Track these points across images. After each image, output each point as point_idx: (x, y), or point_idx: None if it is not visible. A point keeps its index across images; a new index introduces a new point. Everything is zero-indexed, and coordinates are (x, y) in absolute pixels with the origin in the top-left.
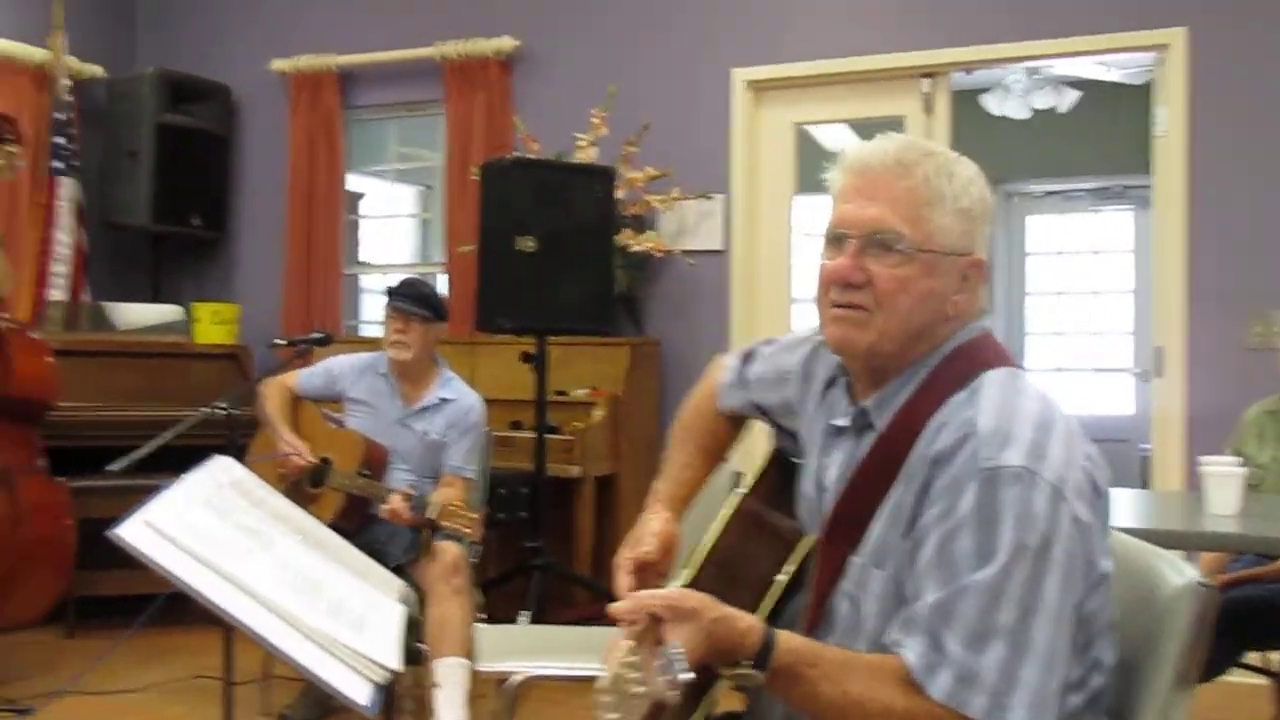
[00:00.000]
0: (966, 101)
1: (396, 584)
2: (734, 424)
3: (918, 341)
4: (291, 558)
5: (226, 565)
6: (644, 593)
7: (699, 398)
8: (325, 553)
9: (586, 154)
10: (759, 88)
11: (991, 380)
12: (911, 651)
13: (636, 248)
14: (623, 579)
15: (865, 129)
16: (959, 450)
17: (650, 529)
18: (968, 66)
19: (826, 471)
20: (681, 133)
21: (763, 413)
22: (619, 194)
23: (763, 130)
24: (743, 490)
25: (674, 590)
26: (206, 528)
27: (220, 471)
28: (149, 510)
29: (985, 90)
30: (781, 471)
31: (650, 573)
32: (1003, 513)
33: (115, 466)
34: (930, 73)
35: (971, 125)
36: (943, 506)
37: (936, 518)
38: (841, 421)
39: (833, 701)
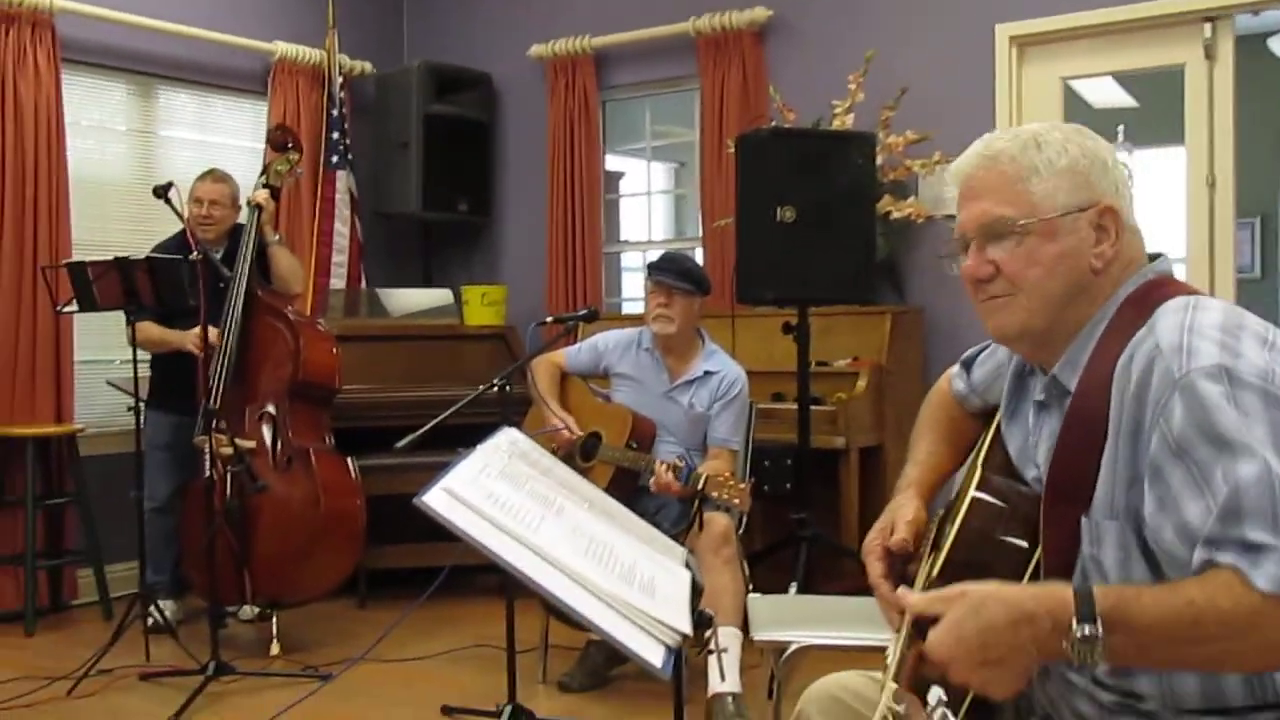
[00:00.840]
0: (1253, 46)
1: (680, 550)
2: (977, 420)
3: (1075, 303)
4: (582, 524)
5: (524, 531)
6: (911, 596)
7: (939, 395)
8: (612, 520)
9: (844, 121)
10: (1023, 43)
11: (1167, 308)
12: (1227, 555)
13: (897, 214)
14: (874, 565)
15: (1138, 82)
16: (1150, 374)
17: (904, 516)
18: (1254, 7)
19: (1038, 450)
20: (942, 94)
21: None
22: (878, 160)
23: (1028, 88)
24: (976, 466)
25: (942, 591)
26: (503, 495)
27: (509, 442)
28: (449, 479)
29: (1275, 34)
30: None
31: (902, 559)
32: (1219, 407)
33: (401, 445)
34: (1212, 16)
35: (1259, 72)
36: (1160, 432)
37: (1160, 444)
38: (1039, 396)
39: (1181, 616)
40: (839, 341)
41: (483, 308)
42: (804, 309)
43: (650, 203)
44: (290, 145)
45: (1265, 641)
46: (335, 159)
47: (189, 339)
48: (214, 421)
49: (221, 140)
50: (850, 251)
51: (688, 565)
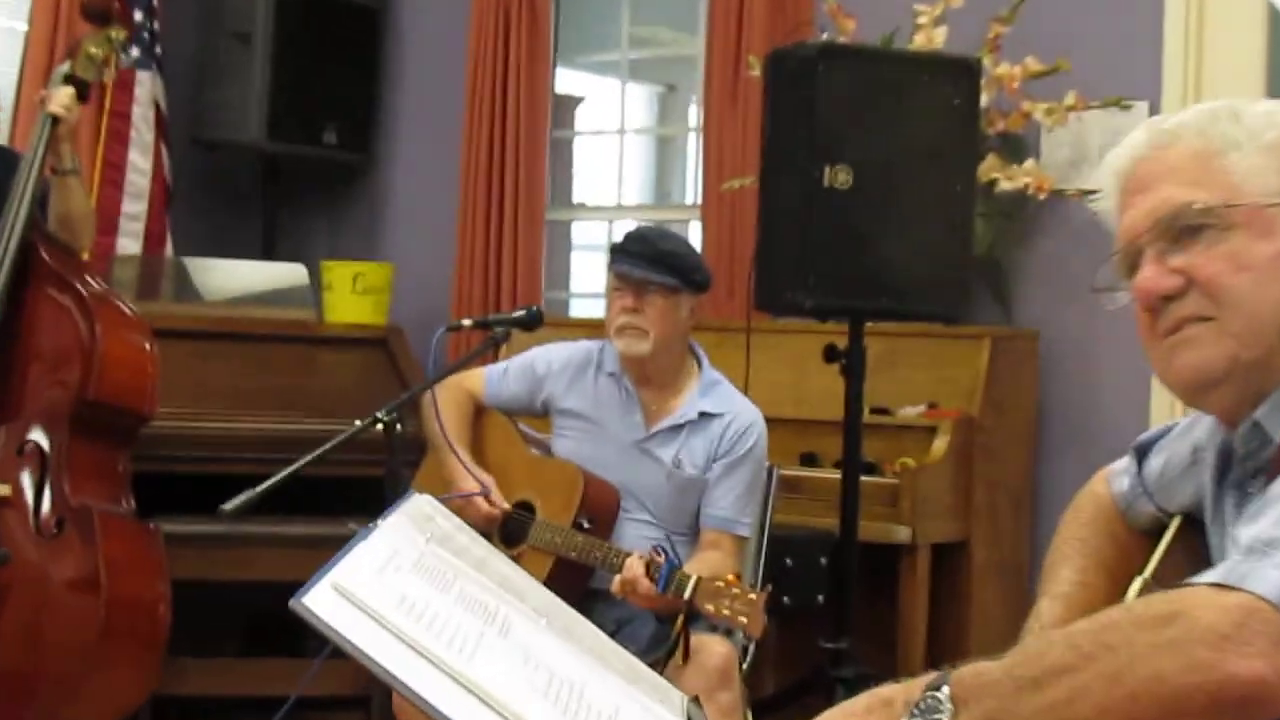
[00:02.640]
0: None
1: (675, 695)
2: (1145, 536)
3: None
4: (537, 649)
5: (454, 658)
6: None
7: (1091, 501)
8: (574, 641)
9: (930, 37)
10: None
11: None
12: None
13: (1008, 185)
14: None
15: None
16: None
17: None
18: None
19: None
20: (1083, 6)
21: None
22: (982, 100)
23: (1212, 6)
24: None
25: None
26: (421, 600)
27: (424, 516)
28: (342, 572)
29: None
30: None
31: None
32: None
33: (231, 507)
34: None
35: None
36: None
37: None
38: (1241, 470)
39: (1066, 641)
40: (909, 378)
41: (354, 297)
42: (858, 325)
43: (623, 146)
44: (112, 15)
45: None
46: (135, 52)
47: None
48: None
49: None
50: (933, 239)
51: (689, 718)
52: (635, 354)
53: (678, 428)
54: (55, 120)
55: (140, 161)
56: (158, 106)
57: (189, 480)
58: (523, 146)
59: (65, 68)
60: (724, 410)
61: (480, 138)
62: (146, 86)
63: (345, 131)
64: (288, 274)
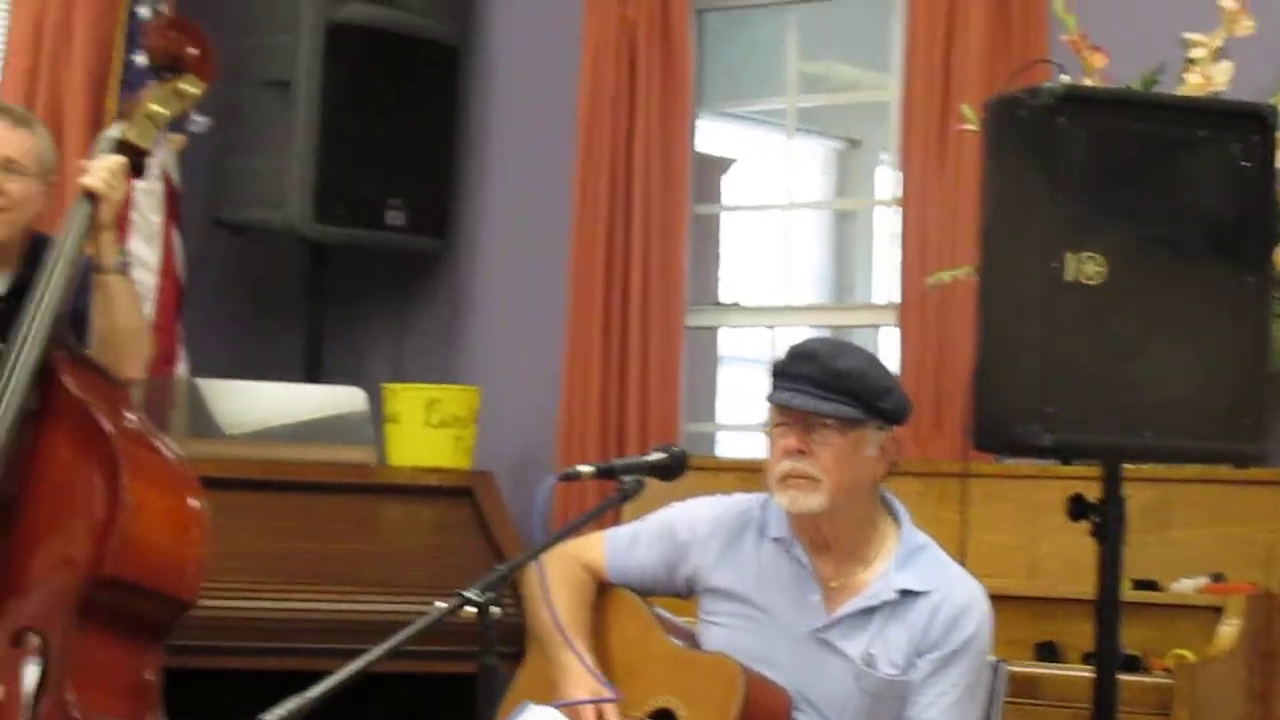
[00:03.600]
0: None
1: None
2: None
3: None
4: None
5: None
6: None
7: None
8: None
9: (1208, 76)
10: None
11: None
12: None
13: None
14: None
15: None
16: None
17: None
18: None
19: None
20: None
21: None
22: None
23: None
24: None
25: None
26: None
27: None
28: None
29: None
30: None
31: None
32: None
33: (273, 718)
34: None
35: None
36: None
37: None
38: None
39: None
40: (1185, 540)
41: (428, 431)
42: (1115, 469)
43: (788, 224)
44: (184, 60)
45: None
46: (199, 119)
47: None
48: None
49: None
50: (1215, 351)
51: None
52: (805, 511)
53: (869, 611)
54: (96, 199)
55: (144, 252)
56: (168, 179)
57: (213, 678)
58: (654, 227)
59: (116, 131)
60: (931, 586)
61: (596, 216)
62: (155, 156)
63: (415, 210)
64: (340, 400)
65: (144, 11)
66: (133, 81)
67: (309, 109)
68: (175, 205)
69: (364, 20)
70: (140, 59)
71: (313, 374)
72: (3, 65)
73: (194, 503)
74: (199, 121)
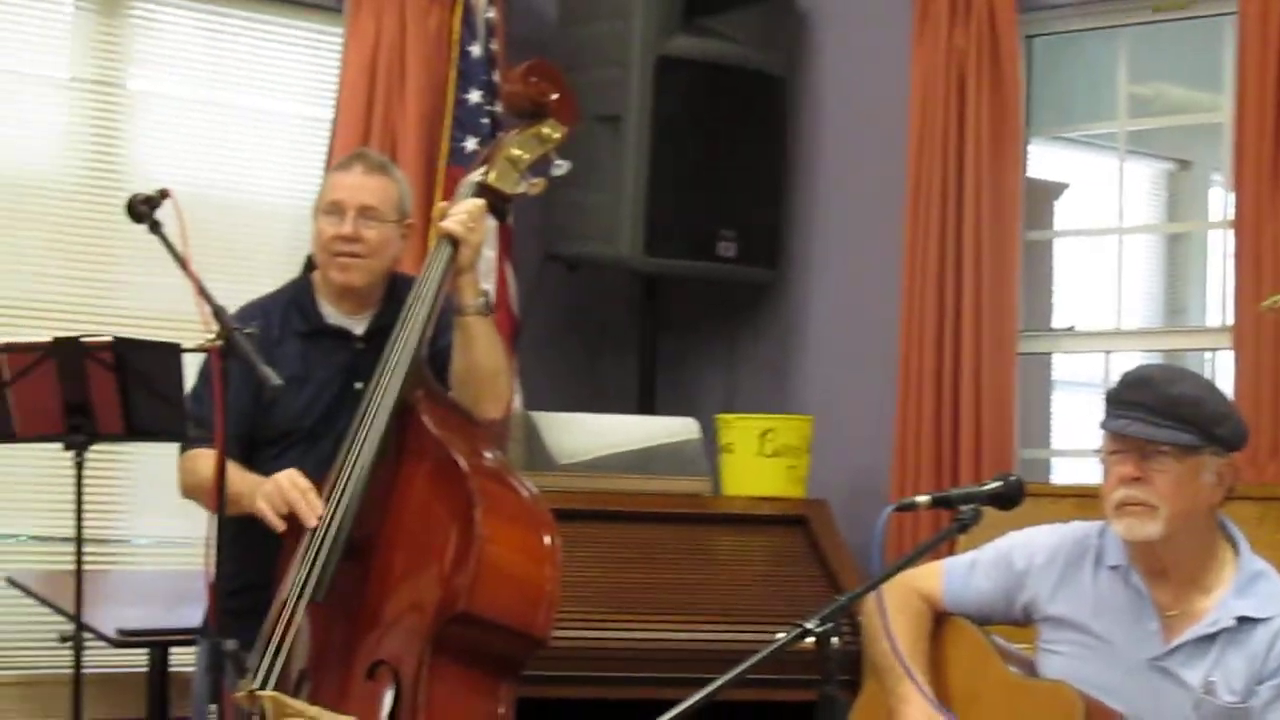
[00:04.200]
0: None
1: None
2: None
3: None
4: None
5: None
6: None
7: None
8: None
9: None
10: None
11: None
12: None
13: None
14: None
15: None
16: None
17: None
18: None
19: None
20: None
21: None
22: None
23: None
24: None
25: None
26: None
27: None
28: None
29: None
30: None
31: None
32: None
33: None
34: None
35: None
36: None
37: None
38: None
39: None
40: None
41: (762, 460)
42: None
43: (1120, 248)
44: (546, 105)
45: None
46: (470, 143)
47: (263, 496)
48: (270, 666)
49: (254, 101)
50: None
51: None
52: (1141, 538)
53: (1208, 639)
54: (457, 242)
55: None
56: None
57: (554, 707)
58: (986, 254)
59: (476, 175)
60: (1271, 613)
61: (928, 244)
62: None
63: (746, 241)
64: (674, 431)
65: (476, 51)
66: (466, 121)
67: (639, 142)
68: (509, 241)
69: (692, 53)
70: (474, 98)
71: (646, 405)
72: (338, 106)
73: (548, 540)
74: (560, 165)
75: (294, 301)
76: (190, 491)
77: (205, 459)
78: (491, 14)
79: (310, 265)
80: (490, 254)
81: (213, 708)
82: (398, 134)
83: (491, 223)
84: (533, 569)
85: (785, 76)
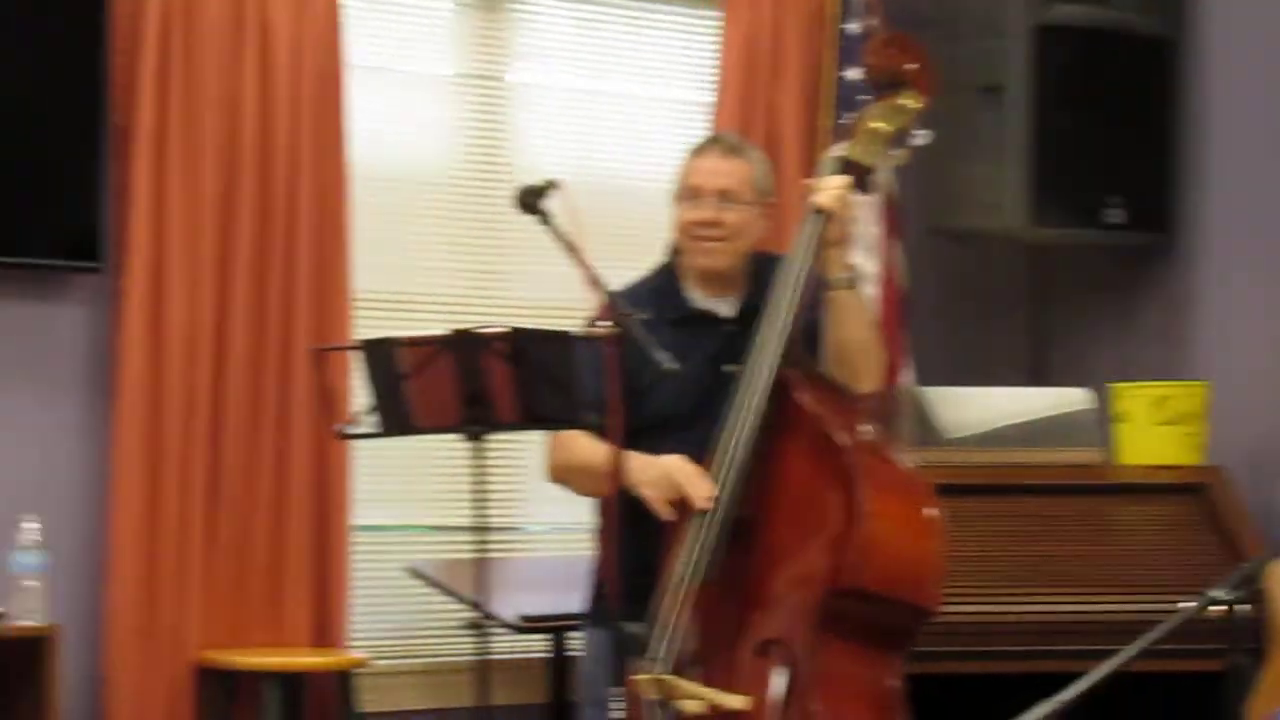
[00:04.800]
0: None
1: None
2: None
3: None
4: None
5: None
6: None
7: None
8: None
9: None
10: None
11: None
12: None
13: None
14: None
15: None
16: None
17: None
18: None
19: None
20: None
21: None
22: None
23: None
24: None
25: None
26: None
27: None
28: None
29: None
30: None
31: None
32: None
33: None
34: None
35: None
36: None
37: None
38: None
39: None
40: None
41: (1157, 429)
42: None
43: None
44: (905, 76)
45: None
46: (851, 120)
47: (650, 484)
48: (662, 648)
49: (633, 87)
50: None
51: None
52: None
53: None
54: (824, 217)
55: (865, 264)
56: (887, 192)
57: (952, 683)
58: None
59: (840, 150)
60: None
61: None
62: None
63: (1134, 207)
64: (1067, 401)
65: (854, 28)
66: (845, 98)
67: (1021, 113)
68: (894, 216)
69: (1073, 20)
70: (852, 75)
71: (1038, 376)
72: (718, 89)
73: (930, 511)
74: (921, 135)
75: (660, 288)
76: (560, 473)
77: (579, 440)
78: None
79: (673, 250)
80: (876, 230)
81: (617, 690)
82: (778, 115)
83: (875, 199)
84: (916, 541)
85: (1171, 38)
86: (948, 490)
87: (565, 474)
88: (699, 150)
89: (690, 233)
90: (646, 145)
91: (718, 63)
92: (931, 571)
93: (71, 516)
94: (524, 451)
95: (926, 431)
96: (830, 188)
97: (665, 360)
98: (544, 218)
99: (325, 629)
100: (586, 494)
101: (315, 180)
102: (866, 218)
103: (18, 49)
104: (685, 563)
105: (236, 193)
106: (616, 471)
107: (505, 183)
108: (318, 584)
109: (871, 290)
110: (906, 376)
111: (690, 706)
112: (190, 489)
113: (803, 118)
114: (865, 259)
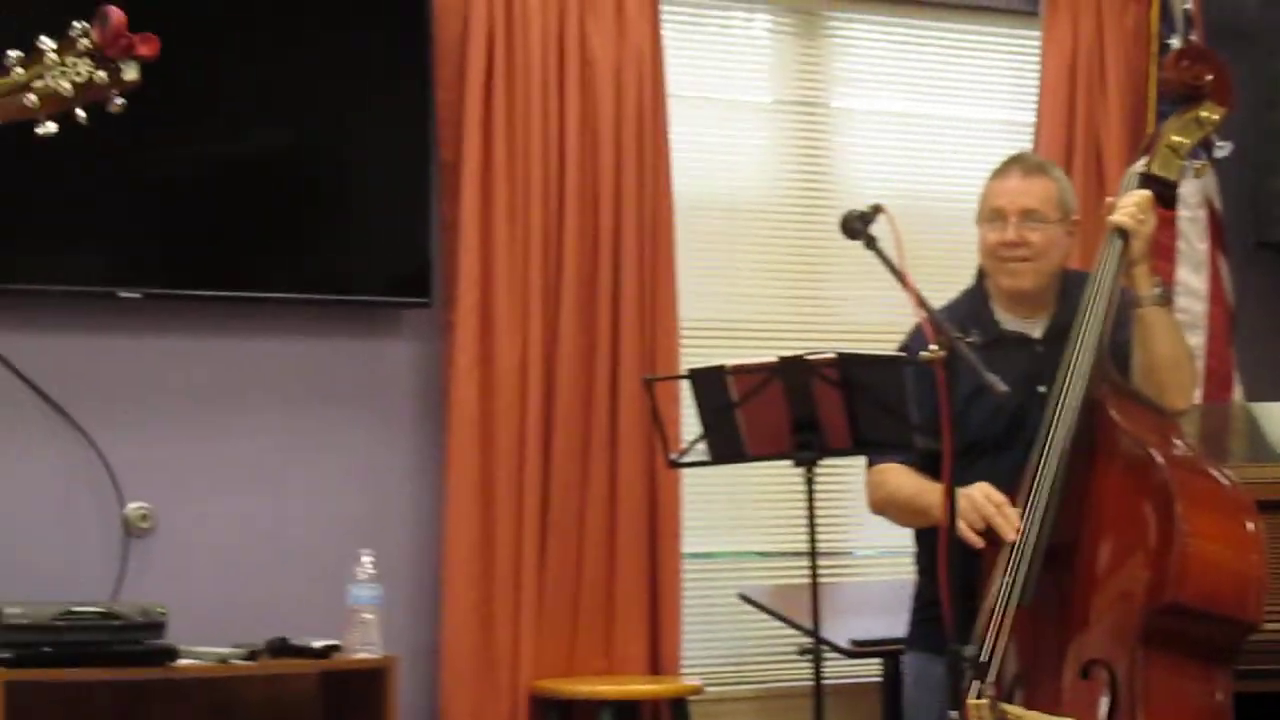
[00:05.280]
0: None
1: None
2: None
3: None
4: None
5: None
6: None
7: None
8: None
9: None
10: None
11: None
12: None
13: None
14: None
15: None
16: None
17: None
18: None
19: None
20: None
21: None
22: None
23: None
24: None
25: None
26: None
27: None
28: None
29: None
30: None
31: None
32: None
33: None
34: None
35: None
36: None
37: None
38: None
39: None
40: None
41: None
42: None
43: None
44: (1202, 88)
45: None
46: (1224, 146)
47: (959, 515)
48: (982, 676)
49: (954, 109)
50: None
51: None
52: None
53: None
54: (1126, 235)
55: (1192, 281)
56: (1210, 206)
57: (1267, 700)
58: None
59: (1139, 165)
60: None
61: None
62: (1196, 182)
63: None
64: None
65: (1175, 43)
66: (1167, 114)
67: None
68: (1219, 231)
69: None
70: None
71: None
72: (1039, 109)
73: (1250, 526)
74: (1222, 146)
75: (971, 312)
76: (880, 506)
77: (894, 473)
78: (1189, 4)
79: (980, 273)
80: (1202, 246)
81: (954, 715)
82: (1100, 132)
83: (1200, 213)
84: (1238, 555)
85: None
86: (1270, 506)
87: (881, 505)
88: (1000, 172)
89: (995, 254)
90: (968, 167)
91: (1038, 81)
92: (1253, 585)
93: (405, 548)
94: (851, 476)
95: (1257, 447)
96: (1129, 204)
97: (995, 382)
98: (870, 242)
99: (658, 656)
100: (906, 525)
101: (640, 210)
102: (1194, 233)
103: (347, 92)
104: (1001, 589)
105: (562, 224)
106: (949, 495)
107: (828, 208)
108: (650, 611)
109: (1200, 306)
110: (1237, 392)
111: None
112: (522, 518)
113: (1126, 135)
114: (1194, 275)
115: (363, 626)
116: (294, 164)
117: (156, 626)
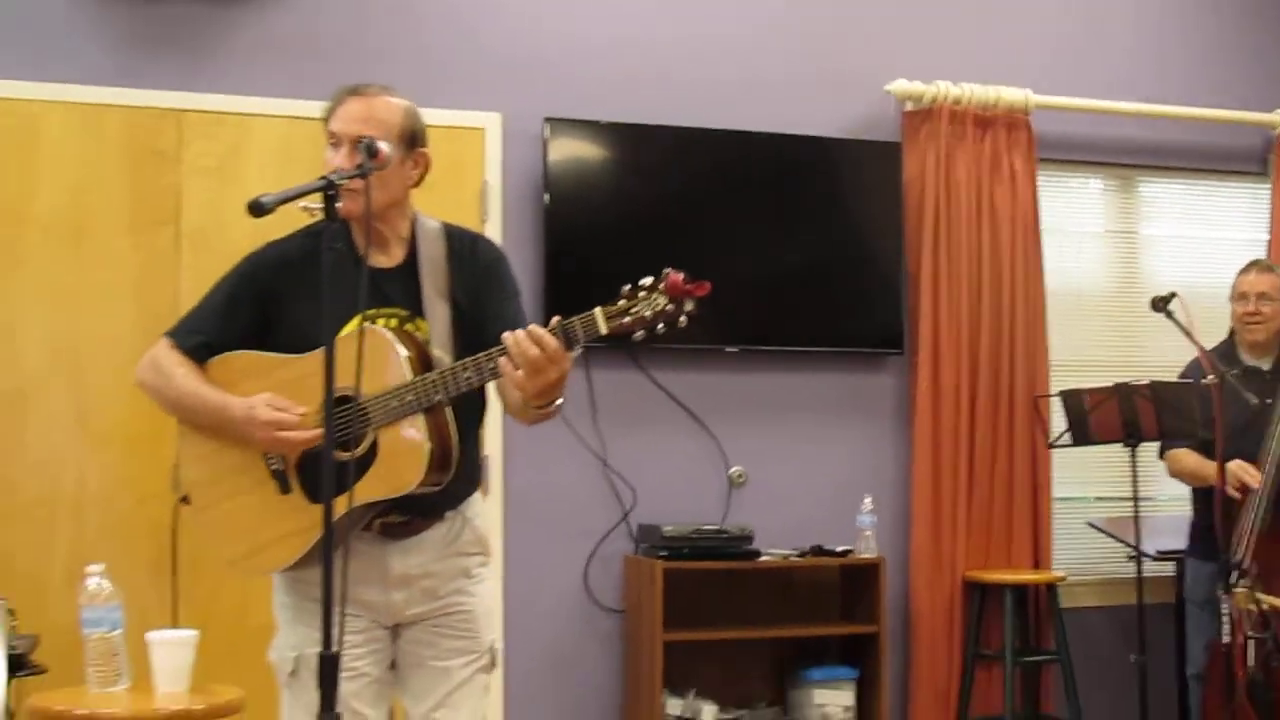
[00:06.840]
0: None
1: None
2: None
3: None
4: None
5: None
6: None
7: None
8: None
9: None
10: None
11: None
12: None
13: None
14: None
15: None
16: None
17: None
18: None
19: None
20: None
21: None
22: None
23: None
24: None
25: None
26: None
27: None
28: None
29: None
30: None
31: None
32: None
33: None
34: None
35: None
36: None
37: None
38: None
39: None
40: None
41: None
42: None
43: None
44: None
45: None
46: None
47: (1232, 476)
48: (1235, 574)
49: (1214, 234)
50: None
51: None
52: None
53: None
54: None
55: None
56: None
57: None
58: None
59: None
60: None
61: None
62: None
63: None
64: None
65: None
66: None
67: None
68: None
69: None
70: None
71: None
72: (1270, 228)
73: None
74: None
75: (1226, 355)
76: (1175, 473)
77: (1184, 453)
78: None
79: (1231, 332)
80: None
81: (1222, 594)
82: None
83: None
84: None
85: None
86: None
87: (1178, 474)
88: (1244, 270)
89: (1241, 320)
90: (1226, 267)
91: (1269, 212)
92: None
93: (889, 494)
94: (1149, 453)
95: None
96: None
97: (1253, 398)
98: (1167, 314)
99: (1039, 558)
100: (1189, 484)
101: (1027, 295)
102: None
103: (855, 227)
104: (1249, 519)
105: (979, 305)
106: (1221, 467)
107: (1141, 292)
108: (1033, 531)
109: None
110: None
111: (1249, 608)
112: (956, 479)
113: None
114: None
115: (864, 539)
116: (821, 269)
117: (748, 538)
